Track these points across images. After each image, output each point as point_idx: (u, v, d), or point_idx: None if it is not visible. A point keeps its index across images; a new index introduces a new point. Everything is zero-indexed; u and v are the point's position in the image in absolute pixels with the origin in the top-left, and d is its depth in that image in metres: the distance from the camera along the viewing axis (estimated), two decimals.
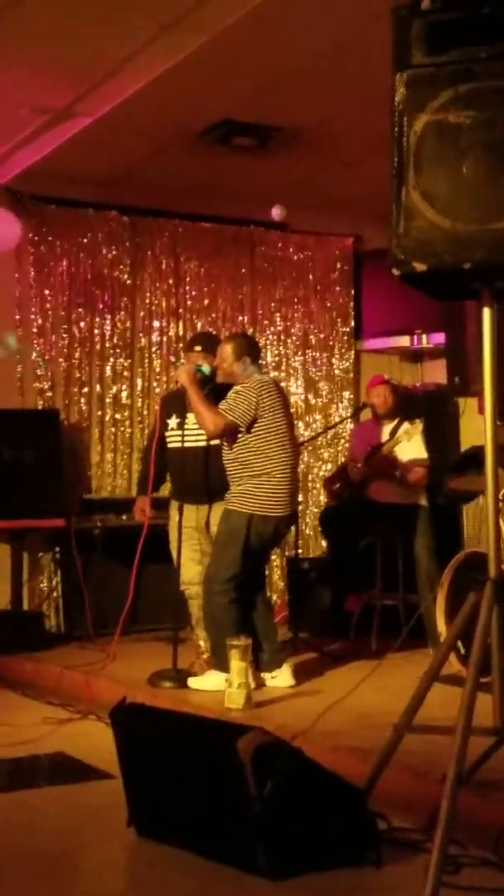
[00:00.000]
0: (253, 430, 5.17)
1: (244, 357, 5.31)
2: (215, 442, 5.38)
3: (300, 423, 8.09)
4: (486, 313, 3.18)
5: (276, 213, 7.27)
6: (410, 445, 6.15)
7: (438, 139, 2.95)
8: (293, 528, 6.71)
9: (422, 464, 6.18)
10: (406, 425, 6.20)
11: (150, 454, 5.56)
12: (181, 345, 7.51)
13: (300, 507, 7.84)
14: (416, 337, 7.86)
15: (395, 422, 6.40)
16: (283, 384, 7.42)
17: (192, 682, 5.26)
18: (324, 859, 3.11)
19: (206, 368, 5.42)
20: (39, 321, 7.37)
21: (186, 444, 5.52)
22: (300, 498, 7.83)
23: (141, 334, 7.70)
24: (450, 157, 2.93)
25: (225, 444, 5.28)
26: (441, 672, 3.35)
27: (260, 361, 5.62)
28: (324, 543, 7.66)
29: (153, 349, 7.73)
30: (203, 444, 5.49)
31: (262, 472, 5.17)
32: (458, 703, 2.98)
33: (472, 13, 2.92)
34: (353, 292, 8.40)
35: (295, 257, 8.22)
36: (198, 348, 5.61)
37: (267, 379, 5.37)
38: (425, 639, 5.88)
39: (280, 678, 5.27)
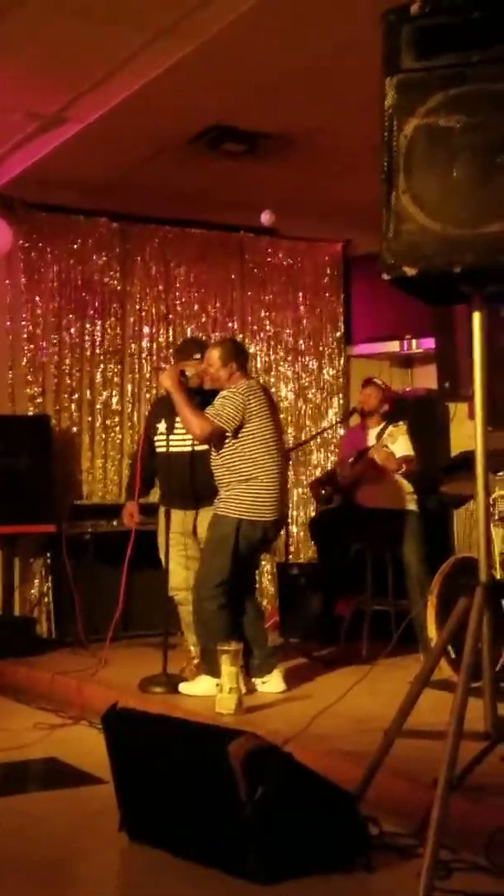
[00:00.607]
0: (240, 434, 5.17)
1: (231, 363, 5.30)
2: (201, 447, 5.37)
3: (290, 429, 8.09)
4: (477, 317, 3.19)
5: (266, 218, 7.29)
6: (396, 446, 6.14)
7: (429, 143, 2.95)
8: (283, 533, 6.73)
9: (408, 460, 6.16)
10: (390, 428, 6.20)
11: (136, 459, 5.55)
12: (171, 350, 7.50)
13: (290, 513, 7.85)
14: (406, 342, 7.87)
15: (381, 426, 6.41)
16: (272, 390, 7.43)
17: (183, 687, 5.25)
18: (315, 864, 3.10)
19: (191, 373, 5.41)
20: (30, 327, 7.36)
21: (172, 450, 5.50)
22: (290, 503, 7.84)
23: (131, 340, 7.70)
24: (440, 161, 2.94)
25: (213, 449, 5.28)
26: (432, 677, 3.35)
27: (247, 366, 5.61)
28: (314, 548, 7.66)
29: (143, 355, 7.73)
30: (189, 449, 5.49)
31: (250, 476, 5.17)
32: (448, 708, 2.98)
33: (462, 18, 2.94)
34: (342, 297, 8.41)
35: (284, 263, 8.23)
36: (196, 356, 5.57)
37: (254, 383, 5.36)
38: (416, 644, 5.87)
39: (270, 683, 5.27)
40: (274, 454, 5.23)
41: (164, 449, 5.54)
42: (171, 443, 5.50)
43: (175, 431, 5.48)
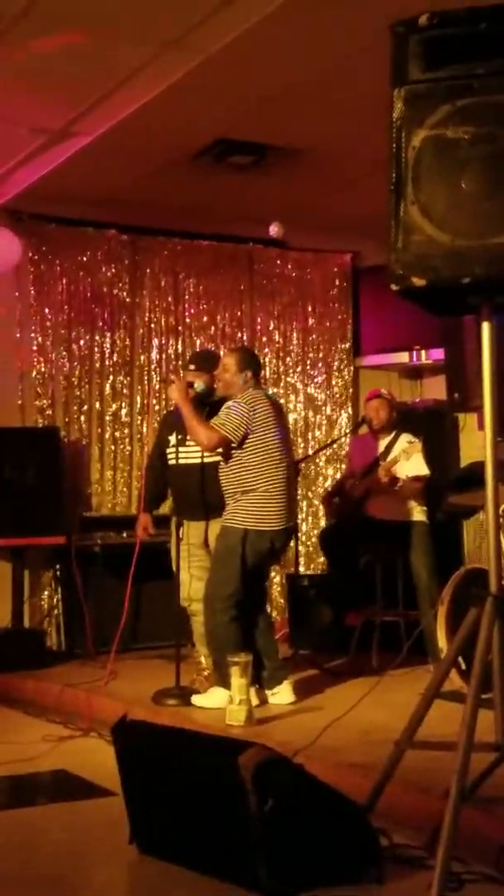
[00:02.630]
0: (245, 445, 5.18)
1: (246, 370, 5.33)
2: (212, 459, 5.38)
3: (299, 440, 8.10)
4: (486, 328, 3.19)
5: (274, 230, 7.30)
6: (409, 464, 6.15)
7: (437, 154, 2.96)
8: (293, 544, 6.72)
9: (419, 479, 6.17)
10: (405, 444, 6.20)
11: (147, 472, 5.56)
12: (180, 362, 7.53)
13: (300, 524, 7.85)
14: (415, 353, 7.87)
15: (392, 435, 6.41)
16: (281, 401, 7.44)
17: (196, 699, 5.24)
18: (325, 876, 3.09)
19: (198, 385, 5.44)
20: (39, 339, 7.39)
21: (181, 461, 5.52)
22: (300, 515, 7.84)
23: (140, 352, 7.72)
24: (448, 172, 2.94)
25: (221, 460, 5.29)
26: (442, 688, 3.34)
27: (259, 377, 5.63)
28: (323, 560, 7.65)
29: (153, 367, 7.75)
30: (199, 460, 5.50)
31: (256, 487, 5.17)
32: (459, 720, 2.97)
33: (470, 29, 2.94)
34: (351, 309, 8.42)
35: (293, 274, 8.25)
36: (192, 367, 5.63)
37: (260, 394, 5.35)
38: (426, 655, 5.86)
39: (281, 695, 5.26)
40: (280, 464, 5.23)
41: (175, 461, 5.55)
42: (181, 455, 5.51)
43: (186, 443, 5.49)
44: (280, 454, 5.24)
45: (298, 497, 7.33)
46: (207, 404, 5.43)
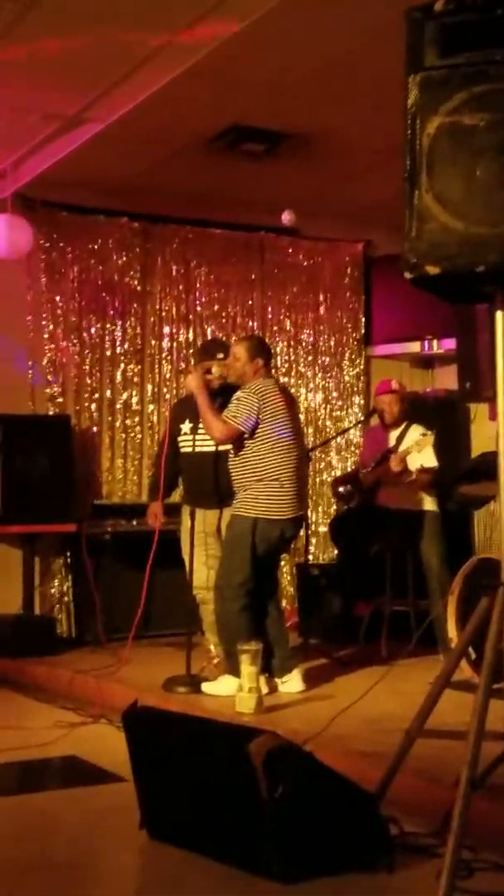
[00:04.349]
0: (256, 434, 5.17)
1: (257, 358, 5.32)
2: (225, 447, 5.38)
3: (310, 430, 8.09)
4: (499, 317, 3.18)
5: (287, 218, 7.28)
6: (421, 456, 6.14)
7: (452, 141, 2.94)
8: (303, 534, 6.72)
9: (428, 471, 6.16)
10: (418, 436, 6.18)
11: (160, 460, 5.59)
12: (191, 350, 7.52)
13: (310, 514, 7.85)
14: (426, 343, 7.85)
15: (403, 426, 6.40)
16: (292, 390, 7.42)
17: (206, 686, 5.25)
18: (336, 864, 3.10)
19: (216, 371, 5.42)
20: (51, 327, 7.39)
21: (198, 449, 5.54)
22: (309, 503, 7.84)
23: (151, 340, 7.71)
24: (463, 160, 2.92)
25: (231, 449, 5.29)
26: (452, 677, 3.34)
27: (270, 365, 5.62)
28: (334, 550, 7.65)
29: (164, 355, 7.75)
30: (212, 448, 5.50)
31: (265, 475, 5.17)
32: (469, 709, 2.97)
33: (486, 15, 2.92)
34: (363, 298, 8.40)
35: (305, 263, 8.23)
36: (220, 356, 5.57)
37: (270, 382, 5.33)
38: (436, 644, 5.86)
39: (290, 683, 5.27)
40: (290, 452, 5.22)
41: (189, 449, 5.56)
42: (196, 442, 5.52)
43: (200, 431, 5.49)
44: (290, 443, 5.24)
45: (308, 487, 7.32)
46: (218, 394, 5.42)
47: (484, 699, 2.96)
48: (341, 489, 6.78)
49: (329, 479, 8.10)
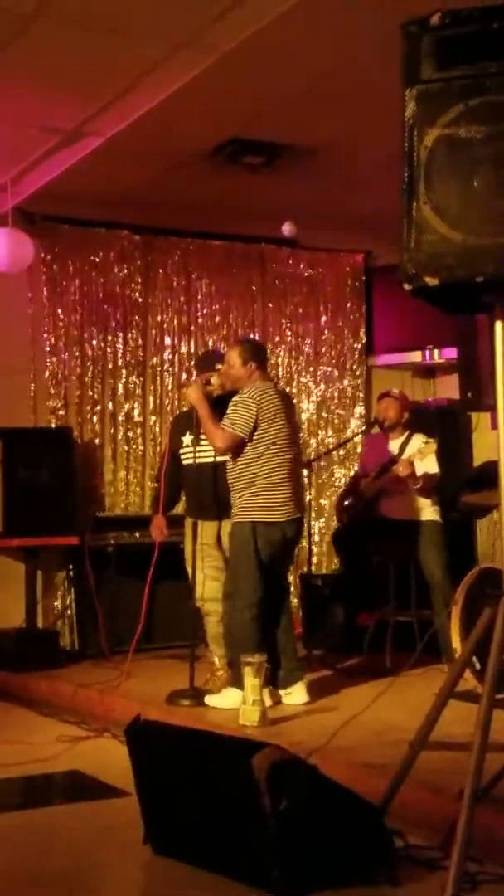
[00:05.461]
0: (253, 439, 5.17)
1: (250, 362, 5.31)
2: (224, 458, 5.38)
3: (311, 441, 8.10)
4: (499, 327, 3.18)
5: (287, 229, 7.29)
6: (423, 464, 6.13)
7: (449, 153, 2.94)
8: (305, 544, 6.71)
9: (430, 477, 6.15)
10: (420, 444, 6.18)
11: (161, 474, 5.61)
12: (193, 362, 7.52)
13: (312, 525, 7.84)
14: (427, 352, 7.86)
15: (405, 435, 6.40)
16: (293, 400, 7.42)
17: (210, 699, 5.24)
18: (340, 877, 3.09)
19: (216, 380, 5.44)
20: (52, 340, 7.41)
21: (199, 461, 5.54)
22: (311, 515, 7.83)
23: (153, 352, 7.73)
24: (461, 171, 2.92)
25: (229, 458, 5.29)
26: (456, 688, 3.34)
27: (266, 366, 5.55)
28: (336, 560, 7.64)
29: (165, 367, 7.76)
30: (211, 460, 5.50)
31: (259, 478, 5.15)
32: (473, 720, 2.96)
33: (482, 28, 2.93)
34: (364, 308, 8.41)
35: (306, 274, 8.25)
36: (219, 366, 5.56)
37: (267, 386, 5.29)
38: (439, 655, 5.85)
39: (294, 695, 5.25)
40: (284, 455, 5.19)
41: (191, 460, 5.57)
42: (197, 454, 5.52)
43: (201, 443, 5.50)
44: (285, 445, 5.21)
45: (310, 498, 7.30)
46: (218, 403, 5.41)
47: (487, 710, 2.96)
48: (345, 503, 6.77)
49: (332, 490, 8.09)
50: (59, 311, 7.43)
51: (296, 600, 7.70)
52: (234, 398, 5.24)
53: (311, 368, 8.26)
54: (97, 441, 7.53)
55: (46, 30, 4.83)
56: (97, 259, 7.54)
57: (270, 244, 8.03)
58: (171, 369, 7.77)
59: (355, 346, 8.39)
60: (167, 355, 7.77)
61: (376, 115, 5.21)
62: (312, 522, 7.83)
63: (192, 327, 7.86)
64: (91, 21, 4.78)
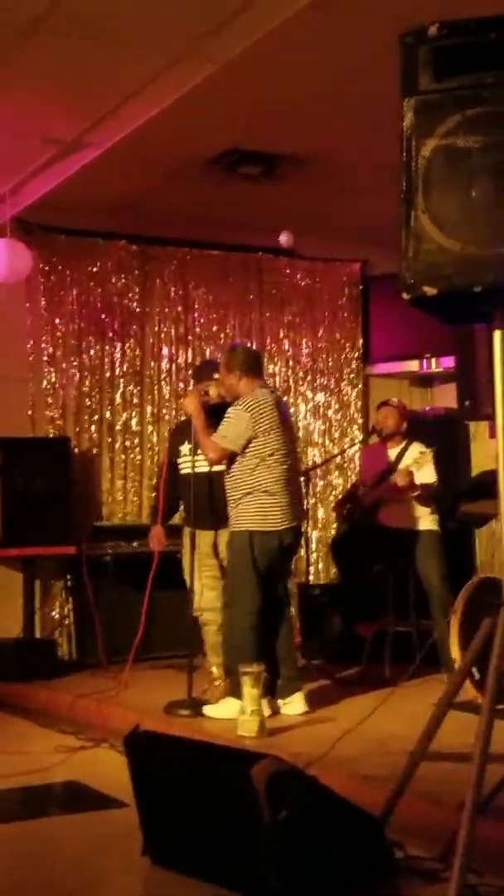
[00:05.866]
0: (248, 450, 5.17)
1: (235, 369, 5.29)
2: (220, 468, 5.38)
3: (309, 450, 8.10)
4: (497, 336, 3.18)
5: (284, 239, 7.31)
6: (420, 474, 6.14)
7: (447, 163, 2.95)
8: (303, 554, 6.71)
9: (427, 486, 6.15)
10: (417, 453, 6.18)
11: (159, 484, 5.60)
12: (190, 371, 7.53)
13: (310, 534, 7.84)
14: (425, 361, 7.87)
15: (403, 444, 6.40)
16: (291, 409, 7.43)
17: (208, 709, 5.22)
18: (339, 888, 3.07)
19: (213, 391, 5.44)
20: (50, 350, 7.41)
21: (196, 470, 5.55)
22: (309, 524, 7.83)
23: (151, 361, 7.73)
24: (459, 181, 2.93)
25: (225, 467, 5.29)
26: (456, 699, 3.33)
27: (260, 369, 5.52)
28: (334, 570, 7.63)
29: (163, 376, 7.76)
30: (208, 469, 5.51)
31: (255, 488, 5.15)
32: (473, 730, 2.95)
33: (479, 39, 2.94)
34: (361, 317, 8.41)
35: (303, 283, 8.26)
36: (216, 376, 5.56)
37: (263, 394, 5.26)
38: (439, 665, 5.84)
39: (293, 705, 5.24)
40: (281, 464, 5.19)
41: (189, 469, 5.57)
42: (196, 464, 5.53)
43: (199, 452, 5.50)
44: (281, 455, 5.20)
45: (308, 507, 7.30)
46: (214, 413, 5.40)
47: (488, 721, 2.95)
48: (344, 509, 6.77)
49: (330, 500, 8.09)
50: (57, 320, 7.44)
51: (294, 610, 7.69)
52: (228, 409, 5.24)
53: (309, 377, 8.26)
54: (95, 450, 7.52)
55: (46, 41, 4.85)
56: (95, 269, 7.54)
57: (268, 253, 8.04)
58: (168, 378, 7.77)
59: (352, 355, 8.40)
60: (165, 364, 7.77)
61: (374, 125, 5.22)
62: (310, 532, 7.84)
63: (190, 337, 7.86)
64: (90, 33, 4.80)
